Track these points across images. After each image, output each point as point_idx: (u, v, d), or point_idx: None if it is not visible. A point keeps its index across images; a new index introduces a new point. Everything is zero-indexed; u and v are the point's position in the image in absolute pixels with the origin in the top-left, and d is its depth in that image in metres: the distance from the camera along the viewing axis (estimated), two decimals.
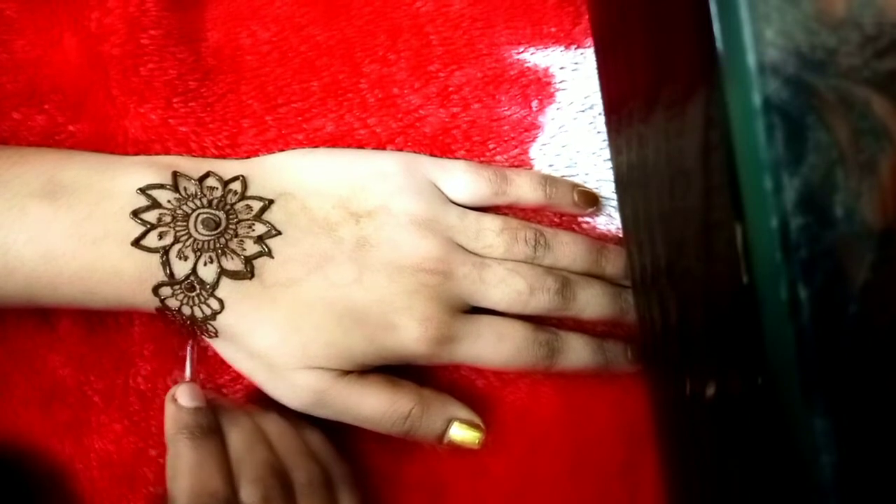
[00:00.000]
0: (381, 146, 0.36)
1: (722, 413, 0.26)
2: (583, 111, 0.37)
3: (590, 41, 0.37)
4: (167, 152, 0.35)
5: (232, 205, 0.32)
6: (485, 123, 0.37)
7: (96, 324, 0.36)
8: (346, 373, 0.33)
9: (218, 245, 0.32)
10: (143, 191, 0.31)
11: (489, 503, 0.37)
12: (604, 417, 0.37)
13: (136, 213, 0.31)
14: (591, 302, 0.35)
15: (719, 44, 0.20)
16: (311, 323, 0.32)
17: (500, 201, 0.36)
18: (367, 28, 0.37)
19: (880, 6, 0.20)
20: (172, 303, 0.31)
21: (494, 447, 0.37)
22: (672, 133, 0.25)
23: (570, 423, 0.37)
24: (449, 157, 0.36)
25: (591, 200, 0.36)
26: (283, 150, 0.35)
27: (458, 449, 0.35)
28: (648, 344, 0.35)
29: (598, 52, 0.36)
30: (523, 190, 0.35)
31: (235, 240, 0.32)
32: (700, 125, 0.22)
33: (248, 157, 0.35)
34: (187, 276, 0.31)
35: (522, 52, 0.37)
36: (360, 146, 0.36)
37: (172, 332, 0.36)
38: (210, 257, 0.31)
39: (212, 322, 0.32)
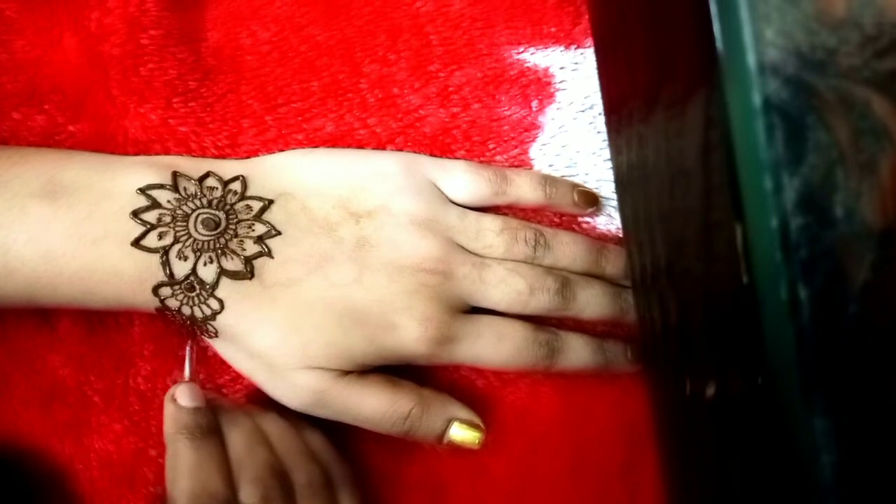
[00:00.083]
0: (381, 146, 0.36)
1: (722, 413, 0.26)
2: (583, 111, 0.37)
3: (590, 41, 0.37)
4: (167, 152, 0.35)
5: (232, 205, 0.32)
6: (485, 123, 0.37)
7: (96, 324, 0.36)
8: (345, 373, 0.33)
9: (218, 245, 0.32)
10: (142, 191, 0.31)
11: (489, 503, 0.37)
12: (604, 417, 0.37)
13: (136, 214, 0.31)
14: (591, 302, 0.35)
15: (719, 44, 0.20)
16: (311, 323, 0.32)
17: (500, 201, 0.36)
18: (367, 28, 0.37)
19: (880, 6, 0.20)
20: (172, 303, 0.31)
21: (494, 447, 0.37)
22: (672, 133, 0.25)
23: (570, 423, 0.37)
24: (449, 157, 0.36)
25: (591, 200, 0.36)
26: (283, 150, 0.35)
27: (457, 449, 0.35)
28: (648, 344, 0.35)
29: (598, 52, 0.36)
30: (523, 190, 0.35)
31: (235, 240, 0.32)
32: (700, 125, 0.22)
33: (248, 157, 0.35)
34: (187, 277, 0.31)
35: (522, 52, 0.37)
36: (360, 146, 0.36)
37: (172, 332, 0.36)
38: (210, 257, 0.31)
39: (212, 322, 0.32)
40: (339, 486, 0.34)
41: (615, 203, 0.37)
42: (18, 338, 0.36)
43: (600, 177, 0.37)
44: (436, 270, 0.33)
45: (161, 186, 0.32)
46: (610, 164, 0.37)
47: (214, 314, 0.32)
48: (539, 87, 0.37)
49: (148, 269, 0.31)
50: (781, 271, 0.20)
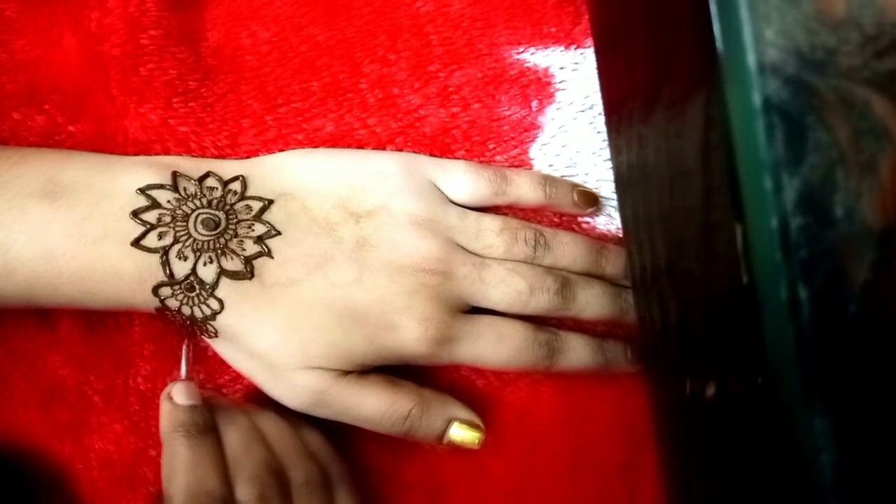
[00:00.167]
0: (380, 146, 0.36)
1: (722, 413, 0.26)
2: (583, 111, 0.37)
3: (590, 41, 0.37)
4: (167, 152, 0.35)
5: (232, 205, 0.32)
6: (485, 123, 0.37)
7: (96, 324, 0.36)
8: (345, 373, 0.33)
9: (218, 245, 0.32)
10: (142, 191, 0.31)
11: (489, 503, 0.37)
12: (604, 417, 0.37)
13: (135, 214, 0.31)
14: (591, 302, 0.35)
15: (719, 44, 0.20)
16: (311, 323, 0.32)
17: (500, 201, 0.36)
18: (367, 28, 0.37)
19: (880, 6, 0.20)
20: (172, 303, 0.31)
21: (494, 447, 0.37)
22: (672, 133, 0.25)
23: (570, 423, 0.37)
24: (449, 157, 0.36)
25: (591, 200, 0.36)
26: (282, 150, 0.35)
27: (457, 449, 0.35)
28: (648, 344, 0.35)
29: (598, 52, 0.36)
30: (523, 190, 0.35)
31: (235, 240, 0.32)
32: (700, 125, 0.22)
33: (247, 157, 0.35)
34: (187, 277, 0.31)
35: (522, 52, 0.37)
36: (360, 146, 0.36)
37: (172, 332, 0.36)
38: (210, 257, 0.31)
39: (211, 322, 0.32)
40: (337, 484, 0.34)
41: (615, 203, 0.37)
42: (18, 338, 0.36)
43: (600, 177, 0.37)
44: (436, 270, 0.33)
45: (161, 186, 0.32)
46: (610, 164, 0.37)
47: (214, 314, 0.32)
48: (539, 87, 0.37)
49: (148, 269, 0.31)
50: (781, 271, 0.20)
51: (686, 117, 0.24)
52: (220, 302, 0.31)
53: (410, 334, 0.32)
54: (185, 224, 0.31)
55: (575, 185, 0.36)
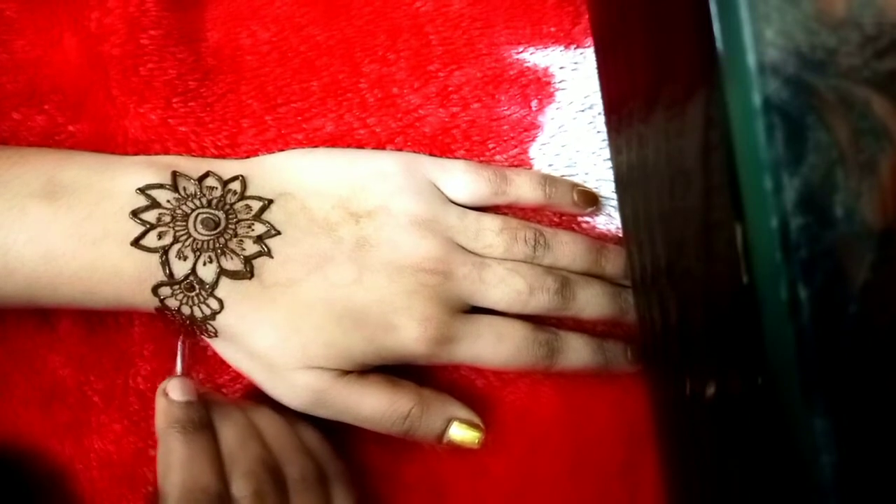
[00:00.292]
0: (380, 146, 0.36)
1: (722, 413, 0.26)
2: (582, 111, 0.37)
3: (589, 41, 0.37)
4: (167, 152, 0.35)
5: (231, 205, 0.32)
6: (484, 123, 0.37)
7: (96, 324, 0.36)
8: (345, 373, 0.33)
9: (217, 245, 0.32)
10: (142, 191, 0.31)
11: (489, 503, 0.37)
12: (604, 417, 0.37)
13: (135, 213, 0.31)
14: (591, 301, 0.35)
15: (719, 44, 0.20)
16: (311, 323, 0.32)
17: (500, 201, 0.36)
18: (366, 28, 0.37)
19: (880, 6, 0.20)
20: (172, 303, 0.31)
21: (494, 447, 0.37)
22: (672, 133, 0.25)
23: (570, 423, 0.37)
24: (449, 157, 0.36)
25: (591, 200, 0.36)
26: (282, 150, 0.35)
27: (457, 449, 0.35)
28: (648, 344, 0.35)
29: (598, 52, 0.36)
30: (523, 190, 0.35)
31: (235, 240, 0.32)
32: (700, 125, 0.22)
33: (247, 157, 0.35)
34: (187, 276, 0.31)
35: (522, 51, 0.37)
36: (360, 146, 0.36)
37: (172, 332, 0.36)
38: (209, 257, 0.31)
39: (211, 322, 0.32)
40: (333, 481, 0.34)
41: (615, 203, 0.37)
42: (18, 338, 0.36)
43: (600, 176, 0.37)
44: (435, 270, 0.33)
45: (161, 186, 0.32)
46: (609, 164, 0.37)
47: (214, 314, 0.32)
48: (539, 87, 0.37)
49: (147, 268, 0.31)
50: (781, 271, 0.20)
51: (686, 117, 0.24)
52: (220, 302, 0.31)
53: (410, 334, 0.32)
54: (184, 224, 0.31)
55: (575, 185, 0.36)
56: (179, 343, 0.35)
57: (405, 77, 0.36)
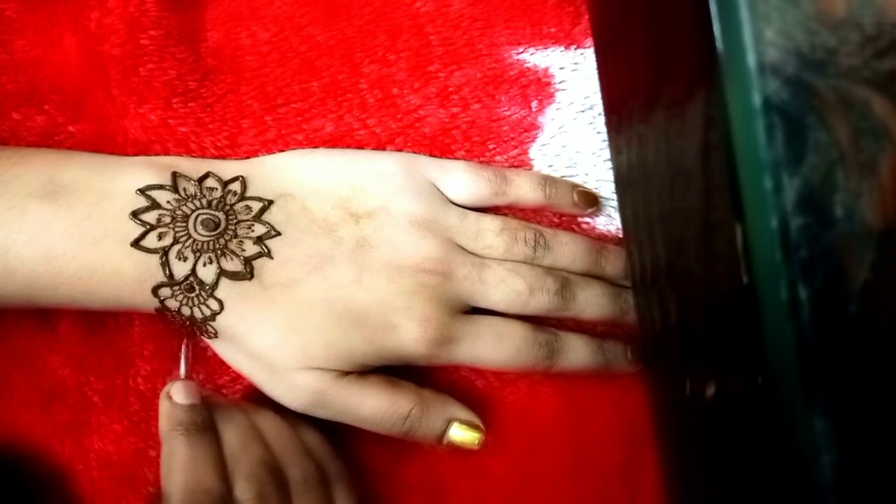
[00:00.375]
0: (380, 146, 0.36)
1: (722, 413, 0.26)
2: (582, 111, 0.37)
3: (590, 41, 0.37)
4: (167, 153, 0.35)
5: (231, 205, 0.32)
6: (484, 124, 0.37)
7: (96, 324, 0.36)
8: (345, 373, 0.33)
9: (217, 246, 0.32)
10: (142, 191, 0.31)
11: (489, 503, 0.37)
12: (604, 417, 0.37)
13: (135, 214, 0.31)
14: (591, 302, 0.35)
15: (719, 44, 0.20)
16: (311, 323, 0.32)
17: (500, 202, 0.36)
18: (366, 28, 0.37)
19: (880, 6, 0.20)
20: (172, 303, 0.31)
21: (494, 447, 0.37)
22: (672, 133, 0.26)
23: (570, 424, 0.37)
24: (449, 158, 0.36)
25: (591, 201, 0.36)
26: (282, 151, 0.35)
27: (457, 449, 0.35)
28: (648, 344, 0.35)
29: (598, 52, 0.36)
30: (523, 190, 0.35)
31: (235, 240, 0.32)
32: (700, 125, 0.22)
33: (247, 158, 0.35)
34: (187, 277, 0.31)
35: (522, 52, 0.37)
36: (360, 146, 0.36)
37: (172, 332, 0.36)
38: (209, 258, 0.31)
39: (211, 323, 0.32)
40: (335, 483, 0.34)
41: (615, 203, 0.37)
42: (19, 338, 0.36)
43: (600, 177, 0.37)
44: (435, 271, 0.33)
45: (161, 187, 0.32)
46: (610, 165, 0.37)
47: (214, 315, 0.32)
48: (539, 88, 0.37)
49: (147, 269, 0.31)
50: (781, 271, 0.20)
51: (686, 117, 0.24)
52: (220, 302, 0.31)
53: (410, 335, 0.32)
54: (184, 224, 0.31)
55: (575, 186, 0.36)
56: (183, 346, 0.35)
57: (405, 77, 0.36)
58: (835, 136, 0.20)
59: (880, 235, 0.20)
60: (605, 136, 0.37)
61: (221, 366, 0.35)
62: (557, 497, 0.37)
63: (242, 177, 0.33)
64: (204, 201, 0.32)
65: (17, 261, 0.30)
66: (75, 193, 0.31)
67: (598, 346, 0.36)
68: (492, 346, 0.34)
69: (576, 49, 0.37)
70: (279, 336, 0.32)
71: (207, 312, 0.32)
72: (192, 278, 0.31)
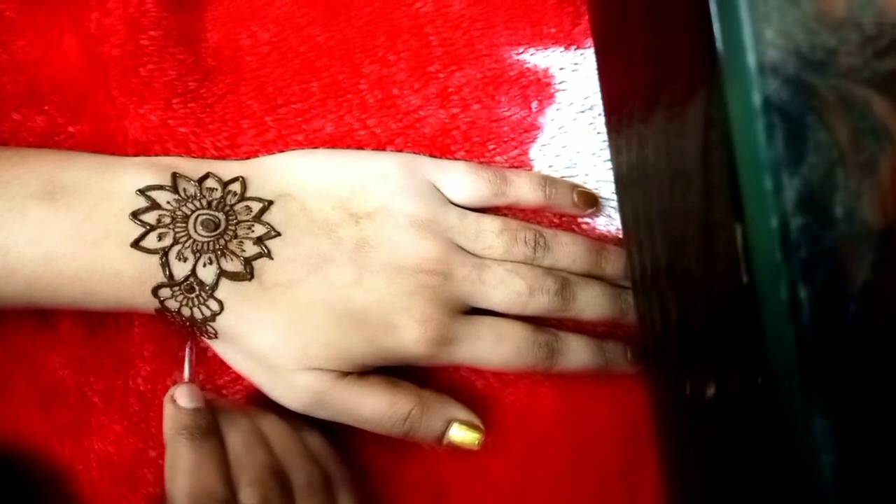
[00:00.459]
0: (380, 147, 0.36)
1: (722, 413, 0.26)
2: (583, 112, 0.37)
3: (590, 42, 0.37)
4: (167, 153, 0.35)
5: (231, 206, 0.32)
6: (484, 124, 0.37)
7: (96, 325, 0.36)
8: (345, 374, 0.33)
9: (217, 246, 0.32)
10: (142, 192, 0.31)
11: (489, 503, 0.37)
12: (604, 418, 0.37)
13: (135, 215, 0.31)
14: (591, 303, 0.35)
15: (719, 44, 0.20)
16: (311, 324, 0.32)
17: (500, 202, 0.36)
18: (366, 29, 0.37)
19: (880, 6, 0.20)
20: (172, 304, 0.31)
21: (494, 448, 0.37)
22: (672, 133, 0.26)
23: (570, 424, 0.37)
24: (448, 158, 0.36)
25: (591, 201, 0.36)
26: (282, 151, 0.35)
27: (457, 450, 0.35)
28: (648, 344, 0.35)
29: (598, 53, 0.36)
30: (523, 191, 0.35)
31: (235, 241, 0.32)
32: (700, 125, 0.22)
33: (247, 158, 0.35)
34: (186, 278, 0.31)
35: (522, 52, 0.37)
36: (360, 147, 0.36)
37: (172, 333, 0.36)
38: (209, 258, 0.31)
39: (211, 323, 0.32)
40: (338, 486, 0.34)
41: (615, 204, 0.37)
42: (19, 338, 0.36)
43: (600, 177, 0.37)
44: (435, 271, 0.33)
45: (161, 187, 0.32)
46: (610, 165, 0.37)
47: (214, 315, 0.32)
48: (539, 88, 0.37)
49: (147, 270, 0.31)
50: (781, 271, 0.20)
51: (686, 117, 0.24)
52: (220, 303, 0.31)
53: (410, 335, 0.32)
54: (184, 225, 0.31)
55: (575, 186, 0.36)
56: (187, 349, 0.35)
57: (405, 78, 0.36)
58: (835, 136, 0.20)
59: (880, 235, 0.20)
60: (605, 136, 0.37)
61: (222, 366, 0.35)
62: (557, 497, 0.37)
63: (242, 177, 0.33)
64: (204, 202, 0.32)
65: (17, 262, 0.30)
66: (75, 194, 0.31)
67: (598, 346, 0.36)
68: (492, 347, 0.34)
69: (576, 49, 0.37)
70: (279, 336, 0.32)
71: (207, 313, 0.32)
72: (192, 279, 0.31)
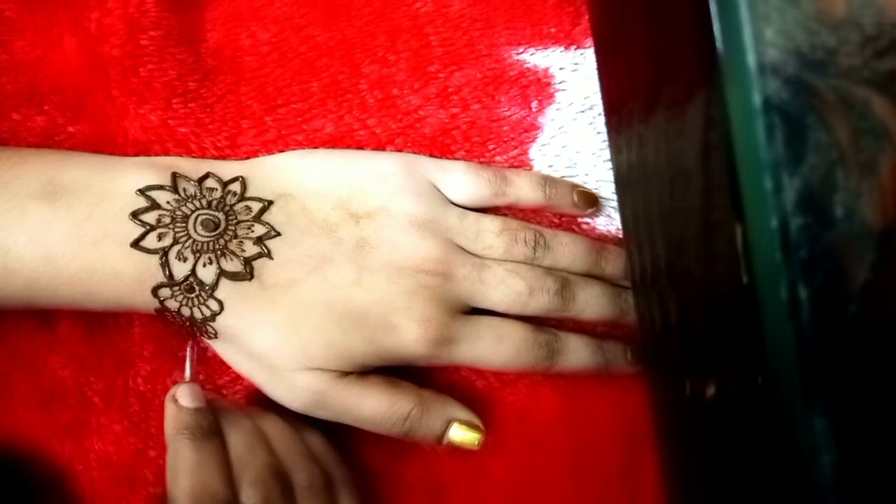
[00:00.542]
0: (380, 147, 0.36)
1: (722, 413, 0.26)
2: (582, 112, 0.37)
3: (590, 41, 0.37)
4: (167, 153, 0.35)
5: (231, 206, 0.32)
6: (484, 124, 0.37)
7: (96, 325, 0.36)
8: (345, 374, 0.33)
9: (217, 246, 0.32)
10: (142, 192, 0.31)
11: (489, 503, 0.37)
12: (604, 418, 0.37)
13: (135, 215, 0.31)
14: (591, 303, 0.35)
15: (719, 44, 0.20)
16: (311, 324, 0.32)
17: (500, 202, 0.36)
18: (366, 29, 0.37)
19: (880, 6, 0.20)
20: (172, 304, 0.31)
21: (494, 448, 0.37)
22: (672, 133, 0.26)
23: (570, 424, 0.37)
24: (448, 158, 0.36)
25: (591, 201, 0.36)
26: (282, 151, 0.35)
27: (457, 450, 0.35)
28: (648, 344, 0.35)
29: (598, 53, 0.36)
30: (523, 191, 0.35)
31: (235, 241, 0.32)
32: (700, 125, 0.22)
33: (247, 158, 0.35)
34: (186, 278, 0.31)
35: (522, 52, 0.37)
36: (360, 147, 0.36)
37: (172, 333, 0.36)
38: (209, 258, 0.31)
39: (211, 323, 0.32)
40: (340, 487, 0.34)
41: (615, 204, 0.37)
42: (18, 338, 0.36)
43: (600, 177, 0.37)
44: (435, 271, 0.33)
45: (160, 187, 0.32)
46: (609, 165, 0.37)
47: (214, 315, 0.32)
48: (539, 88, 0.37)
49: (147, 270, 0.31)
50: (781, 271, 0.20)
51: (686, 117, 0.24)
52: (220, 303, 0.31)
53: (410, 335, 0.32)
54: (184, 225, 0.31)
55: (575, 186, 0.36)
56: (189, 349, 0.35)
57: (405, 78, 0.36)
58: (835, 136, 0.20)
59: (880, 235, 0.20)
60: (605, 136, 0.37)
61: (222, 366, 0.35)
62: (557, 497, 0.37)
63: (242, 177, 0.33)
64: (204, 202, 0.32)
65: (17, 262, 0.30)
66: (75, 194, 0.31)
67: (598, 346, 0.36)
68: (492, 347, 0.34)
69: (576, 49, 0.37)
70: (279, 336, 0.32)
71: (207, 313, 0.32)
72: (191, 279, 0.31)
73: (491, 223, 0.35)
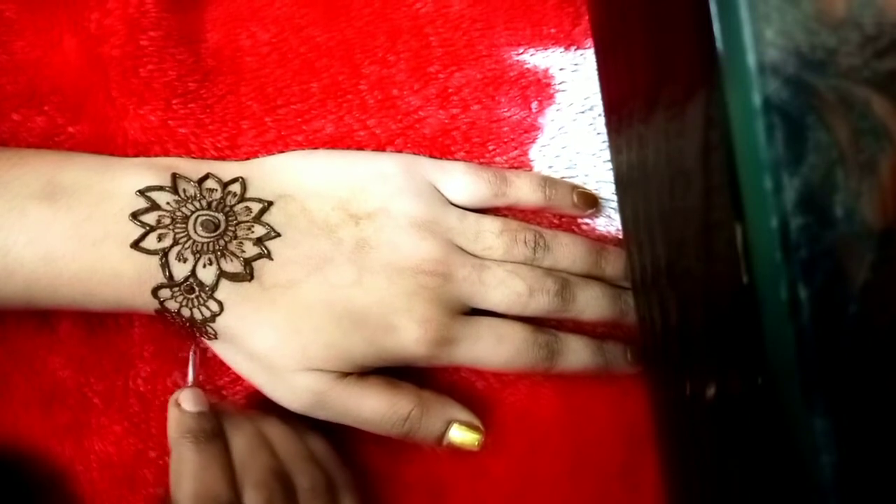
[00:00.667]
0: (380, 147, 0.36)
1: (722, 413, 0.26)
2: (582, 112, 0.37)
3: (590, 42, 0.37)
4: (167, 154, 0.35)
5: (231, 206, 0.32)
6: (484, 125, 0.37)
7: (96, 325, 0.36)
8: (345, 374, 0.33)
9: (217, 247, 0.32)
10: (142, 192, 0.31)
11: (489, 503, 0.37)
12: (604, 418, 0.37)
13: (135, 215, 0.31)
14: (591, 303, 0.35)
15: (719, 44, 0.20)
16: (311, 325, 0.32)
17: (500, 203, 0.36)
18: (366, 29, 0.37)
19: (880, 6, 0.20)
20: (172, 305, 0.31)
21: (494, 448, 0.37)
22: (672, 133, 0.26)
23: (570, 424, 0.37)
24: (448, 159, 0.36)
25: (591, 202, 0.36)
26: (282, 152, 0.35)
27: (457, 450, 0.35)
28: (648, 345, 0.35)
29: (598, 53, 0.36)
30: (523, 191, 0.35)
31: (234, 242, 0.32)
32: (700, 125, 0.22)
33: (247, 159, 0.35)
34: (186, 278, 0.31)
35: (522, 53, 0.37)
36: (360, 147, 0.36)
37: (172, 333, 0.36)
38: (209, 259, 0.31)
39: (211, 324, 0.32)
40: (341, 490, 0.34)
41: (615, 204, 0.37)
42: (19, 339, 0.36)
43: (600, 178, 0.37)
44: (435, 272, 0.33)
45: (160, 188, 0.32)
46: (609, 165, 0.37)
47: (214, 316, 0.32)
48: (539, 89, 0.37)
49: (147, 270, 0.31)
50: (781, 271, 0.20)
51: (686, 117, 0.24)
52: (220, 304, 0.31)
53: (410, 336, 0.32)
54: (184, 226, 0.31)
55: (574, 187, 0.36)
56: (191, 353, 0.35)
57: (405, 78, 0.36)
58: (835, 136, 0.20)
59: (880, 235, 0.20)
60: (604, 136, 0.37)
61: (222, 367, 0.35)
62: (557, 498, 0.37)
63: (242, 178, 0.33)
64: (204, 202, 0.32)
65: (17, 262, 0.30)
66: (75, 195, 0.31)
67: (598, 347, 0.36)
68: (492, 348, 0.34)
69: (576, 50, 0.37)
70: (279, 337, 0.32)
71: (207, 314, 0.32)
72: (191, 279, 0.31)
73: (491, 224, 0.35)
